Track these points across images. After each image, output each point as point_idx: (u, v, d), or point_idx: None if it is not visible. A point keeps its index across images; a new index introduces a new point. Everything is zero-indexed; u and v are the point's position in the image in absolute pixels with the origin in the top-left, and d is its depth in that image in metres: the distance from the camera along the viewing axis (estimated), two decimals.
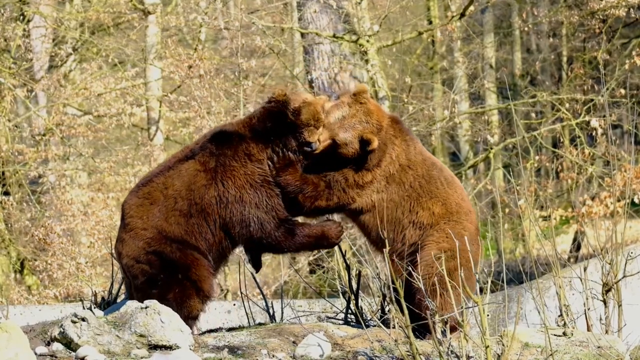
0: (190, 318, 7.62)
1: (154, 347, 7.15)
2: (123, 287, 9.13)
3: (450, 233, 7.68)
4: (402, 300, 7.02)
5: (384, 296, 8.50)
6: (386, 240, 7.55)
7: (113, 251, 9.41)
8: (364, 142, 7.74)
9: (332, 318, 8.75)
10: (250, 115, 7.93)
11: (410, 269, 7.53)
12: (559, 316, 7.99)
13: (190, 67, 21.90)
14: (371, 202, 7.82)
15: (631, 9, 21.86)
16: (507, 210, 23.27)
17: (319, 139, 7.74)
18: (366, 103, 7.88)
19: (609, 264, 8.23)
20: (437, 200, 7.83)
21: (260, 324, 8.85)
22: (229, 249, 7.83)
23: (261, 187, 7.67)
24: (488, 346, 6.76)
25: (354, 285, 8.81)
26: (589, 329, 8.15)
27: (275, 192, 7.71)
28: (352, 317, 8.69)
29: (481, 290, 6.92)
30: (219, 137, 7.79)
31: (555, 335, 7.61)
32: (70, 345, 7.16)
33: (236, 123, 7.92)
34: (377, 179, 7.83)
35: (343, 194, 7.81)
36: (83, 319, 7.18)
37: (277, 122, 7.73)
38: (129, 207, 7.78)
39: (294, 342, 7.53)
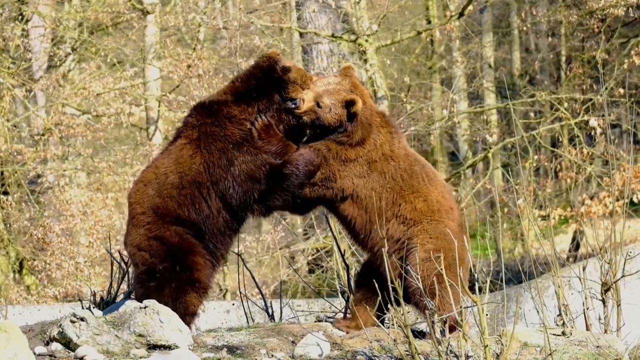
0: (187, 314, 7.60)
1: (153, 347, 7.15)
2: (122, 286, 9.14)
3: (433, 233, 7.70)
4: (402, 300, 7.03)
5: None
6: (385, 241, 7.55)
7: (112, 251, 9.41)
8: (348, 103, 7.73)
9: (331, 318, 8.75)
10: (233, 79, 7.94)
11: (409, 268, 7.54)
12: (558, 316, 8.00)
13: (189, 66, 21.91)
14: (353, 185, 7.78)
15: (630, 8, 21.87)
16: (506, 209, 23.27)
17: (303, 99, 7.73)
18: (352, 77, 7.93)
19: (608, 263, 8.23)
20: (419, 195, 7.83)
21: (259, 323, 8.86)
22: (231, 220, 7.76)
23: (243, 145, 7.66)
24: (487, 346, 6.76)
25: (353, 285, 8.81)
26: (588, 329, 8.16)
27: (263, 150, 7.69)
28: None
29: (480, 289, 6.92)
30: (199, 108, 7.83)
31: (554, 334, 7.62)
32: (69, 345, 7.16)
33: (217, 92, 7.92)
34: (359, 161, 7.80)
35: (324, 163, 7.78)
36: (82, 319, 7.18)
37: (264, 78, 7.71)
38: (130, 196, 7.84)
39: (293, 342, 7.53)
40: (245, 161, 7.62)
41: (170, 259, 7.58)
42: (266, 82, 7.71)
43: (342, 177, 7.77)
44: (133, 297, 8.42)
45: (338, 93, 7.78)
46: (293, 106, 7.69)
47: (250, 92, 7.72)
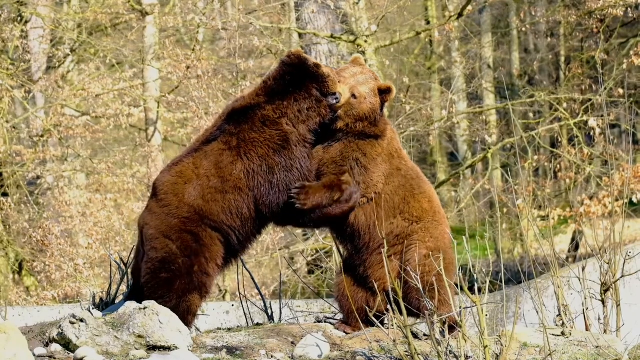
0: (189, 314, 7.59)
1: (152, 348, 7.16)
2: (121, 287, 9.14)
3: (434, 233, 7.72)
4: (401, 301, 7.03)
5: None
6: (385, 241, 7.56)
7: (111, 252, 9.38)
8: (384, 90, 7.76)
9: (330, 318, 8.75)
10: (265, 79, 7.85)
11: (408, 268, 7.54)
12: (557, 316, 8.00)
13: (188, 67, 21.90)
14: (382, 185, 7.78)
15: (629, 9, 21.87)
16: (505, 210, 23.27)
17: (341, 93, 7.72)
18: (365, 65, 7.95)
19: (608, 263, 8.24)
20: (425, 195, 7.86)
21: (258, 324, 8.86)
22: (260, 226, 7.82)
23: (283, 149, 7.65)
24: (487, 346, 6.76)
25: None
26: (587, 329, 8.16)
27: (296, 154, 7.71)
28: None
29: (480, 290, 6.93)
30: (234, 115, 7.77)
31: (553, 335, 7.62)
32: (68, 346, 7.16)
33: (249, 95, 7.84)
34: (382, 157, 7.80)
35: (365, 172, 7.77)
36: (81, 320, 7.18)
37: (297, 74, 7.66)
38: (162, 184, 7.75)
39: (292, 343, 7.54)
40: (285, 167, 7.64)
41: (194, 257, 7.57)
42: (301, 76, 7.66)
43: (376, 178, 7.78)
44: (132, 298, 8.42)
45: (368, 82, 7.80)
46: (335, 101, 7.67)
47: (286, 87, 7.67)
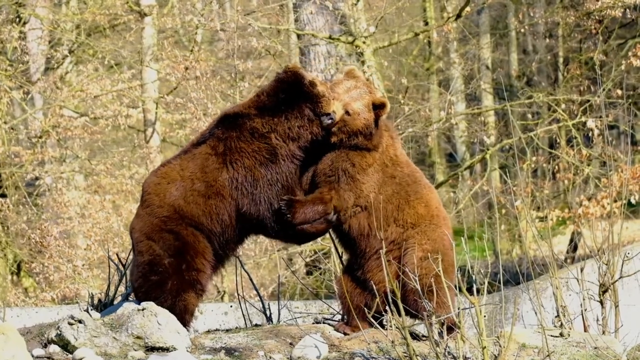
0: (186, 313, 7.60)
1: (150, 349, 7.16)
2: (120, 288, 9.14)
3: (431, 236, 7.71)
4: (399, 302, 7.04)
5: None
6: (383, 242, 7.56)
7: (110, 253, 9.40)
8: (378, 105, 7.71)
9: (329, 319, 8.75)
10: (258, 92, 7.85)
11: (407, 269, 7.54)
12: (556, 317, 8.01)
13: (186, 68, 21.88)
14: (374, 194, 7.77)
15: (627, 10, 21.86)
16: (503, 211, 23.26)
17: (335, 111, 7.69)
18: (360, 77, 7.90)
19: (606, 264, 8.24)
20: (421, 200, 7.83)
21: (257, 325, 8.86)
22: (240, 234, 7.82)
23: (270, 162, 7.66)
24: (485, 347, 6.76)
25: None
26: (586, 330, 8.16)
27: (283, 169, 7.70)
28: None
29: (478, 291, 6.93)
30: (225, 121, 7.78)
31: (552, 336, 7.62)
32: (67, 347, 7.16)
33: (242, 104, 7.85)
34: (375, 167, 7.79)
35: (353, 182, 7.76)
36: (80, 321, 7.18)
37: (292, 92, 7.64)
38: (147, 185, 7.80)
39: (290, 344, 7.54)
40: (269, 181, 7.64)
41: (179, 256, 7.57)
42: (295, 95, 7.64)
43: (367, 188, 7.75)
44: (131, 298, 8.42)
45: (362, 97, 7.75)
46: (329, 121, 7.64)
47: (278, 105, 7.66)
